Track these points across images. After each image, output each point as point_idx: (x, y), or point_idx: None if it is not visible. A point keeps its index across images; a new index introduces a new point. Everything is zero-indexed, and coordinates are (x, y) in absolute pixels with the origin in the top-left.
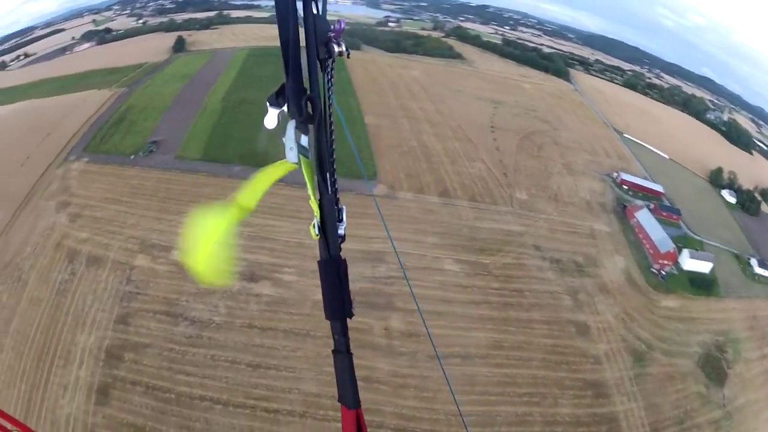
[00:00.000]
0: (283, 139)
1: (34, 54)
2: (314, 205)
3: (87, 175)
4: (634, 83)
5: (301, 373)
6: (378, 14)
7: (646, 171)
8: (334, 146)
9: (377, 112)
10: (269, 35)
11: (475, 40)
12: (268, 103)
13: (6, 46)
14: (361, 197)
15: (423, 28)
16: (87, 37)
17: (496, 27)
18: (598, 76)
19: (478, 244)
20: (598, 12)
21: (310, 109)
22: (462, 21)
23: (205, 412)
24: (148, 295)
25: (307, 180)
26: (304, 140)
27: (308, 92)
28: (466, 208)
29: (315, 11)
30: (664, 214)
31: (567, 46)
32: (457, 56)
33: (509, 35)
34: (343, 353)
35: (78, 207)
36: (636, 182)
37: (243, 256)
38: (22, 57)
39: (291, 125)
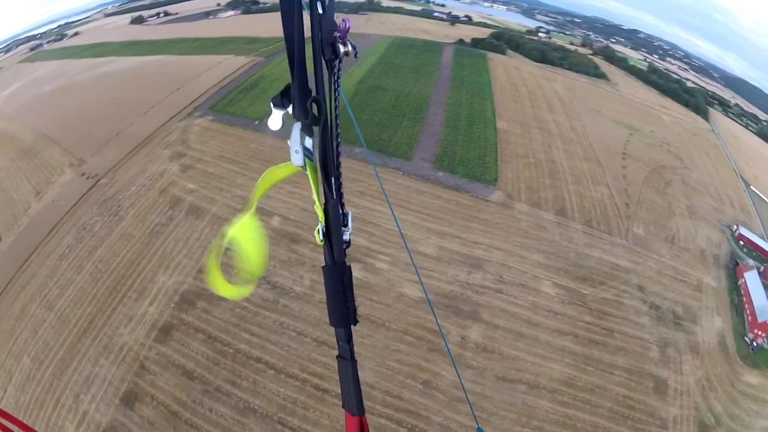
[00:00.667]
0: (288, 141)
1: (176, 14)
2: (319, 210)
3: (207, 132)
4: None
5: (363, 361)
6: (531, 24)
7: (765, 230)
8: (339, 149)
9: (511, 119)
10: (416, 27)
11: (621, 63)
12: (272, 104)
13: (146, 2)
14: (476, 200)
15: (572, 43)
16: (233, 5)
17: (645, 54)
18: (735, 120)
19: (582, 271)
20: (745, 55)
21: (315, 112)
22: (612, 42)
23: (257, 374)
24: None
25: (311, 184)
26: (310, 142)
27: (313, 94)
28: (579, 232)
29: (320, 11)
30: None
31: (710, 85)
32: (602, 76)
33: (657, 64)
34: (347, 360)
35: (192, 160)
36: (753, 240)
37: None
38: (162, 14)
39: (296, 127)
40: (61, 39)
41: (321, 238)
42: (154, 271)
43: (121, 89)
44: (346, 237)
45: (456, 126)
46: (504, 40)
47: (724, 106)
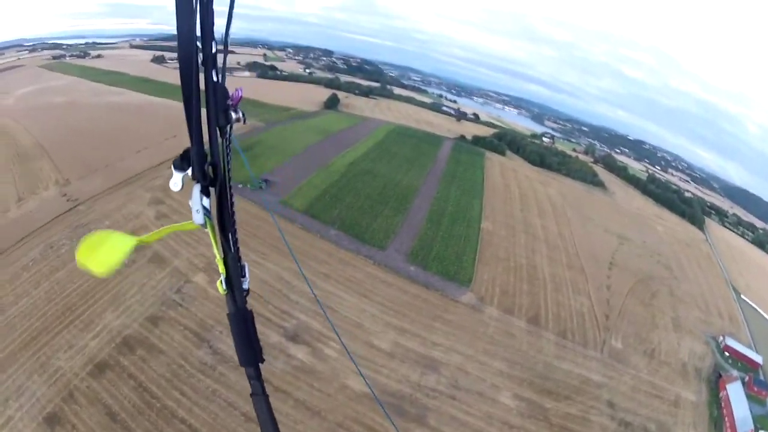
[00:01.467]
0: (189, 201)
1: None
2: (219, 263)
3: (188, 185)
4: (763, 241)
5: None
6: (539, 128)
7: (753, 339)
8: (233, 208)
9: (497, 220)
10: (421, 118)
11: (621, 172)
12: (173, 167)
13: (171, 43)
14: (445, 300)
15: (574, 150)
16: (251, 66)
17: (647, 164)
18: (731, 230)
19: (548, 384)
20: (749, 164)
21: (211, 173)
22: (616, 153)
23: None
24: (188, 311)
25: (211, 239)
26: (207, 202)
27: (209, 158)
28: (551, 343)
29: (215, 79)
30: (755, 389)
31: (709, 195)
32: (599, 184)
33: (658, 175)
34: (260, 395)
35: (168, 209)
36: (738, 350)
37: (297, 315)
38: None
39: (196, 189)
40: (83, 57)
41: (224, 287)
42: (104, 308)
43: (123, 122)
44: (245, 286)
45: (438, 221)
46: (506, 141)
47: (722, 215)
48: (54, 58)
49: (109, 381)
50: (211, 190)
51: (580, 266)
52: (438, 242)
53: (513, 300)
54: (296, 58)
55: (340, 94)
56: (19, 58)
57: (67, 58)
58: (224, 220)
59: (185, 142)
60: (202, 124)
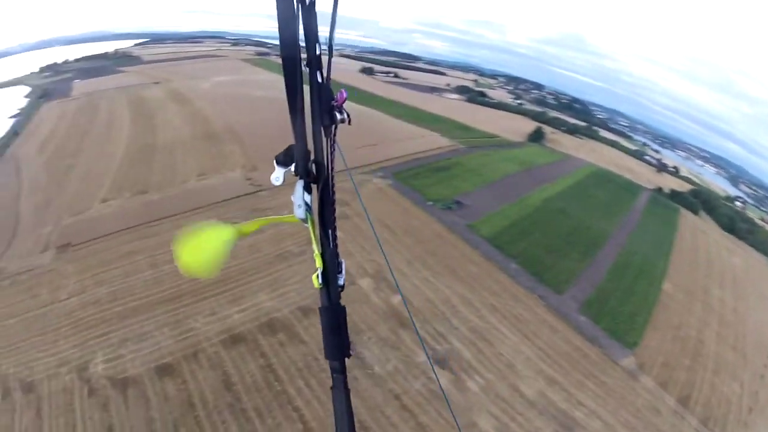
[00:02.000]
0: (292, 197)
1: (406, 79)
2: (317, 258)
3: (379, 193)
4: None
5: None
6: (732, 191)
7: None
8: (335, 205)
9: (678, 283)
10: (622, 164)
11: None
12: (275, 162)
13: (383, 57)
14: (605, 360)
15: (762, 219)
16: (460, 90)
17: None
18: None
19: None
20: None
21: (315, 171)
22: None
23: (286, 420)
24: None
25: (311, 234)
26: (309, 198)
27: (312, 156)
28: (691, 428)
29: (320, 80)
30: None
31: None
32: None
33: None
34: (340, 389)
35: (352, 211)
36: None
37: (452, 341)
38: (392, 75)
39: (299, 185)
40: None
41: (319, 282)
42: (260, 288)
43: None
44: (341, 282)
45: (621, 274)
46: (701, 200)
47: None
48: (258, 54)
49: (238, 353)
50: (313, 187)
51: (743, 349)
52: (615, 296)
53: (671, 374)
54: (507, 87)
55: (546, 129)
56: (219, 49)
57: (272, 57)
58: (325, 217)
59: (384, 151)
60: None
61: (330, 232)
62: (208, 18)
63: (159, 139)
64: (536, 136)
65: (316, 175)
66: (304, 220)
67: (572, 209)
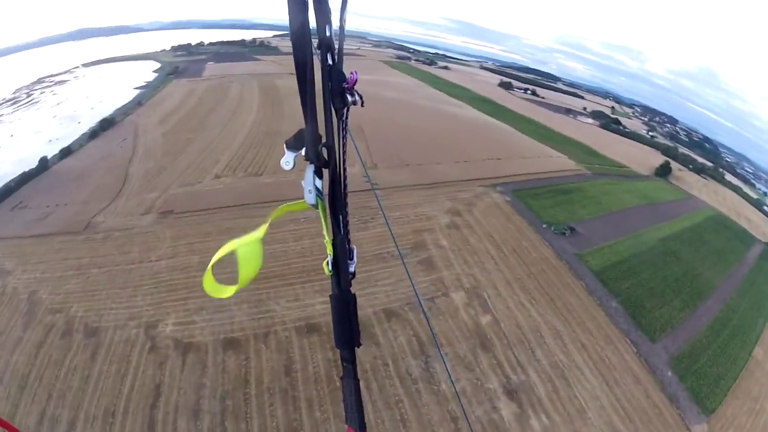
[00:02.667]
0: (302, 182)
1: (542, 98)
2: (328, 244)
3: (495, 208)
4: None
5: None
6: None
7: None
8: (346, 191)
9: None
10: (741, 211)
11: None
12: (285, 146)
13: (523, 74)
14: (679, 423)
15: None
16: (596, 115)
17: None
18: None
19: None
20: None
21: (325, 155)
22: None
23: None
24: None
25: (322, 220)
26: (320, 183)
27: (323, 139)
28: None
29: (330, 62)
30: None
31: None
32: None
33: None
34: (350, 378)
35: (464, 222)
36: None
37: (530, 373)
38: (529, 91)
39: (310, 169)
40: (429, 64)
41: (329, 269)
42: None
43: (451, 131)
44: (351, 269)
45: (719, 332)
46: None
47: None
48: (398, 58)
49: (309, 342)
50: (325, 172)
51: None
52: (707, 355)
53: None
54: (642, 118)
55: (674, 164)
56: (360, 48)
57: (412, 62)
58: (336, 203)
59: (509, 166)
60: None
61: (341, 218)
62: (354, 18)
63: (284, 126)
64: (663, 171)
65: (327, 160)
66: (315, 206)
67: (685, 253)
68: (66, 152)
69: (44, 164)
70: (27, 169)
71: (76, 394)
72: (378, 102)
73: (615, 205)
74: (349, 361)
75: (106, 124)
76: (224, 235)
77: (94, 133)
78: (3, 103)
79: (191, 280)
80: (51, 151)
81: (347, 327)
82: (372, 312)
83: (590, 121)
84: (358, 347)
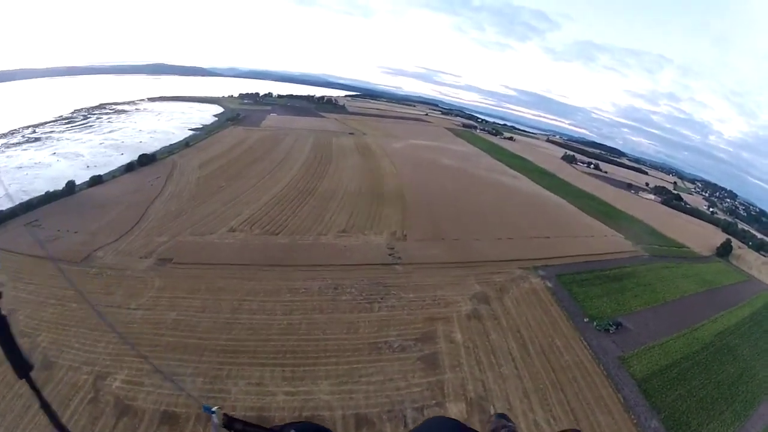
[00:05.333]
0: None
1: (605, 172)
2: None
3: (533, 296)
4: None
5: None
6: None
7: None
8: None
9: None
10: None
11: None
12: None
13: (596, 150)
14: None
15: None
16: (657, 190)
17: None
18: None
19: None
20: None
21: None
22: None
23: None
24: None
25: None
26: None
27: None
28: None
29: None
30: None
31: None
32: None
33: None
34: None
35: (488, 312)
36: None
37: None
38: (592, 165)
39: None
40: (495, 134)
41: None
42: (328, 375)
43: (501, 204)
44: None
45: None
46: None
47: None
48: (464, 126)
49: None
50: None
51: None
52: None
53: None
54: (702, 193)
55: (734, 242)
56: (428, 114)
57: (478, 131)
58: None
59: (557, 246)
60: None
61: None
62: (427, 85)
63: (323, 185)
64: (723, 251)
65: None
66: None
67: (742, 349)
68: (96, 180)
69: (71, 188)
70: (53, 189)
71: (14, 420)
72: (429, 168)
73: (671, 294)
74: (33, 390)
75: (145, 160)
76: (212, 295)
77: (130, 166)
78: (58, 120)
79: (158, 338)
80: (85, 177)
81: (15, 351)
82: (340, 415)
83: (652, 197)
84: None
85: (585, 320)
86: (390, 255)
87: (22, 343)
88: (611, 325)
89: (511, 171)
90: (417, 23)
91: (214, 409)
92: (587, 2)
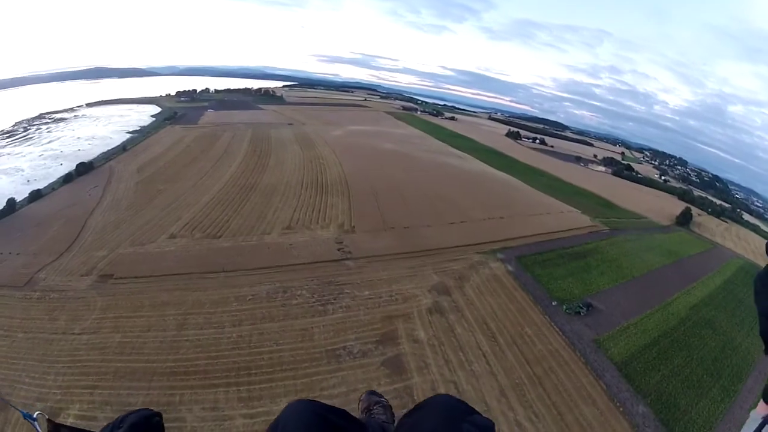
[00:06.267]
0: None
1: (551, 146)
2: None
3: (494, 282)
4: None
5: None
6: None
7: None
8: None
9: None
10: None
11: None
12: None
13: (531, 124)
14: None
15: None
16: (607, 162)
17: None
18: None
19: None
20: None
21: None
22: None
23: None
24: None
25: None
26: None
27: None
28: None
29: None
30: None
31: None
32: None
33: None
34: None
35: (451, 305)
36: None
37: None
38: (537, 141)
39: None
40: (436, 115)
41: None
42: (286, 392)
43: (449, 187)
44: None
45: None
46: None
47: None
48: (404, 109)
49: None
50: None
51: None
52: None
53: None
54: (652, 162)
55: (694, 210)
56: (366, 99)
57: (419, 113)
58: None
59: (514, 227)
60: None
61: None
62: (364, 71)
63: (264, 180)
64: (684, 219)
65: None
66: None
67: (720, 320)
68: (36, 195)
69: (12, 206)
70: None
71: None
72: (371, 155)
73: (638, 269)
74: None
75: (83, 169)
76: (156, 311)
77: (68, 177)
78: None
79: (105, 365)
80: (25, 192)
81: None
82: None
83: (602, 168)
84: None
85: (553, 304)
86: (339, 250)
87: None
88: (581, 307)
89: (457, 151)
90: (352, 10)
91: (35, 414)
92: None
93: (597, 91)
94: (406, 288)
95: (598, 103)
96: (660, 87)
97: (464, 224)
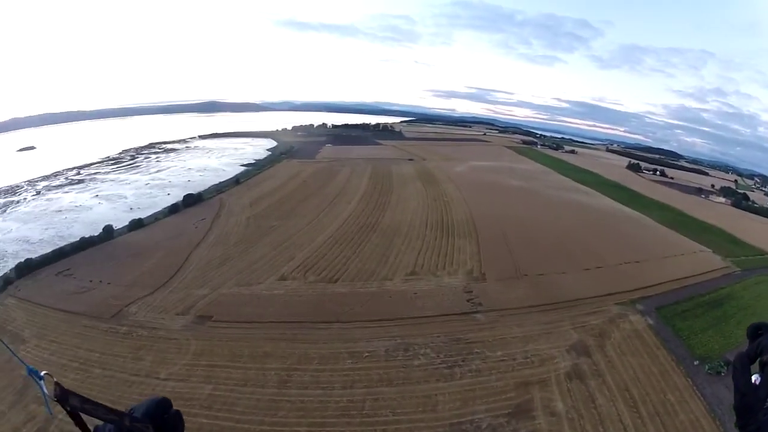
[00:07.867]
0: None
1: (671, 178)
2: None
3: (633, 340)
4: None
5: None
6: None
7: None
8: None
9: None
10: None
11: None
12: None
13: (654, 156)
14: None
15: None
16: (725, 192)
17: None
18: None
19: None
20: None
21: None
22: None
23: None
24: None
25: None
26: None
27: None
28: None
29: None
30: None
31: None
32: None
33: None
34: None
35: (592, 370)
36: None
37: None
38: (657, 172)
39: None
40: (556, 149)
41: None
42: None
43: (580, 227)
44: None
45: None
46: None
47: None
48: (524, 143)
49: None
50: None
51: None
52: None
53: None
54: (763, 189)
55: None
56: (485, 134)
57: (539, 147)
58: None
59: (650, 272)
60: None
61: None
62: (480, 105)
63: (385, 219)
64: None
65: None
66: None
67: None
68: (136, 224)
69: (108, 233)
70: (89, 235)
71: None
72: (497, 192)
73: None
74: None
75: (191, 200)
76: (256, 363)
77: (175, 208)
78: (104, 161)
79: (188, 420)
80: (126, 220)
81: None
82: None
83: (722, 200)
84: None
85: (695, 363)
86: (469, 301)
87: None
88: (722, 366)
89: (583, 187)
90: (463, 44)
91: (42, 373)
92: (625, 5)
93: (705, 115)
94: (542, 348)
95: (707, 129)
96: (762, 107)
97: (600, 270)
